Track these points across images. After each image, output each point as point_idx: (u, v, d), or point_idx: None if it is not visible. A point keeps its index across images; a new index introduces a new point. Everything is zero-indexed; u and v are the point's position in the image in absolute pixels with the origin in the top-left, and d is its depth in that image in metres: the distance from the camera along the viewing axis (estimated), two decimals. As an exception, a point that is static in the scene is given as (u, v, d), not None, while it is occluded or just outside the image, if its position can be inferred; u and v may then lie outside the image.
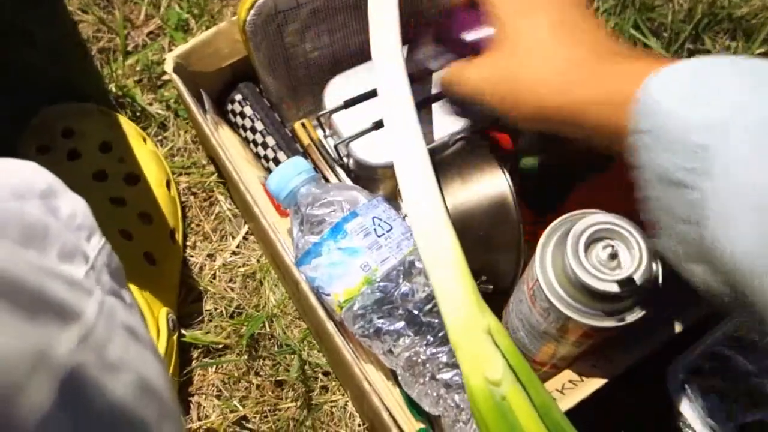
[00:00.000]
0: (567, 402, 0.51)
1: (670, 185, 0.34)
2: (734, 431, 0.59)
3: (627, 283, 0.44)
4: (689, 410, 0.60)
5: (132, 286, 0.61)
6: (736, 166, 0.31)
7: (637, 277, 0.44)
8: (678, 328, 0.54)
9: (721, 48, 0.85)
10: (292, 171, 0.58)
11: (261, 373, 0.68)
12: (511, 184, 0.58)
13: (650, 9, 0.87)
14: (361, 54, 0.71)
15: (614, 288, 0.45)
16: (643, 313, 0.47)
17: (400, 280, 0.54)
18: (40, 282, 0.28)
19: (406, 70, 0.58)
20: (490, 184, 0.59)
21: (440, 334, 0.54)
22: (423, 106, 0.66)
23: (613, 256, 0.45)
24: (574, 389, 0.53)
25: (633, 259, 0.45)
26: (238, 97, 0.72)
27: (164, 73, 0.81)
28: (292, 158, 0.60)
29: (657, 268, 0.48)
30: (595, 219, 0.46)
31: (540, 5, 0.47)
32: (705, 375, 0.62)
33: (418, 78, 0.67)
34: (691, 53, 0.85)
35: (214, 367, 0.68)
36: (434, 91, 0.67)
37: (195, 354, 0.68)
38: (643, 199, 0.38)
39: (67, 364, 0.27)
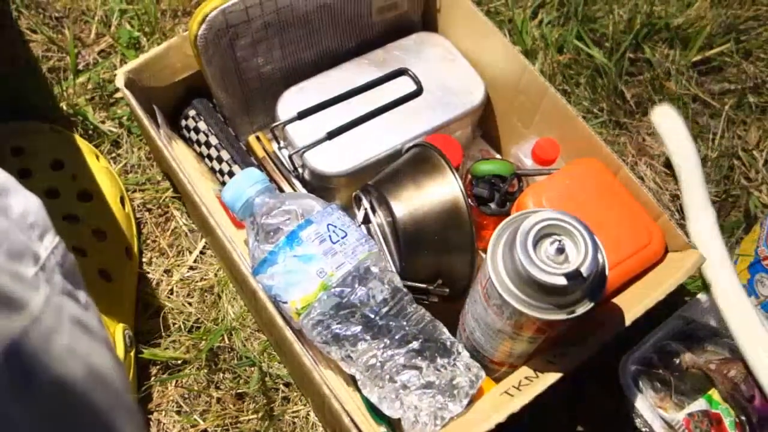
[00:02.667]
0: (523, 398, 0.53)
1: None
2: (682, 420, 0.61)
3: (574, 275, 0.46)
4: (640, 401, 0.62)
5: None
6: None
7: (584, 270, 0.46)
8: (627, 322, 0.56)
9: (660, 56, 0.89)
10: (246, 182, 0.58)
11: (221, 387, 0.67)
12: (462, 188, 0.60)
13: (592, 20, 0.91)
14: (313, 66, 0.72)
15: (563, 281, 0.46)
16: (591, 305, 0.49)
17: (356, 285, 0.54)
18: None
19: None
20: (443, 190, 0.60)
21: (396, 337, 0.54)
22: (380, 112, 0.68)
23: (561, 250, 0.47)
24: (529, 385, 0.54)
25: (579, 253, 0.47)
26: (192, 112, 0.72)
27: (116, 90, 0.81)
28: (246, 169, 0.60)
29: (603, 260, 0.49)
30: (542, 216, 0.48)
31: None
32: (655, 368, 0.64)
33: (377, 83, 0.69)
34: (633, 62, 0.89)
35: (174, 382, 0.67)
36: (393, 98, 0.68)
37: (153, 370, 0.68)
38: None
39: (9, 350, 0.28)
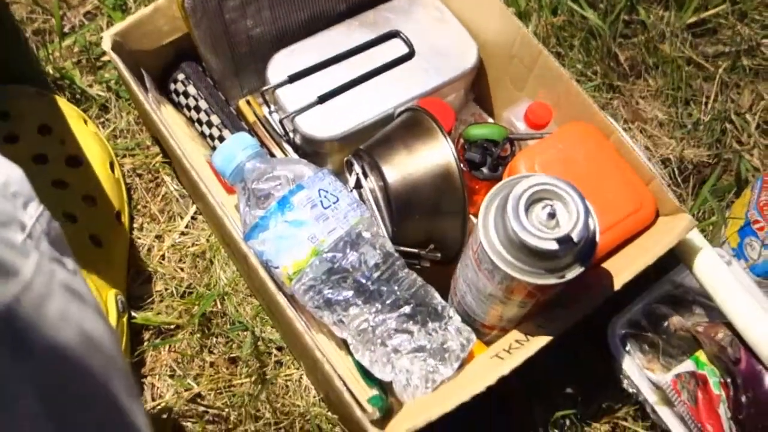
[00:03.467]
0: (514, 360, 0.53)
1: None
2: (669, 381, 0.62)
3: (565, 240, 0.46)
4: (628, 363, 0.63)
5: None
6: None
7: (575, 235, 0.46)
8: (617, 286, 0.56)
9: (655, 18, 0.88)
10: (237, 147, 0.58)
11: (214, 351, 0.68)
12: (455, 153, 0.59)
13: (587, -19, 0.89)
14: (304, 29, 0.71)
15: (554, 246, 0.46)
16: (582, 269, 0.49)
17: (348, 250, 0.55)
18: None
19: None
20: (435, 154, 0.60)
21: (388, 302, 0.55)
22: (372, 76, 0.67)
23: (552, 215, 0.47)
24: (520, 348, 0.54)
25: (570, 218, 0.47)
26: (181, 76, 0.71)
27: (103, 53, 0.80)
28: (237, 134, 0.59)
29: (594, 225, 0.49)
30: (533, 181, 0.47)
31: None
32: (643, 330, 0.65)
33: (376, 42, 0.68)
34: (627, 24, 0.88)
35: (167, 347, 0.67)
36: (385, 61, 0.67)
37: (147, 335, 0.68)
38: None
39: (3, 315, 0.28)
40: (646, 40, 0.86)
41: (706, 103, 0.84)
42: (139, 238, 0.72)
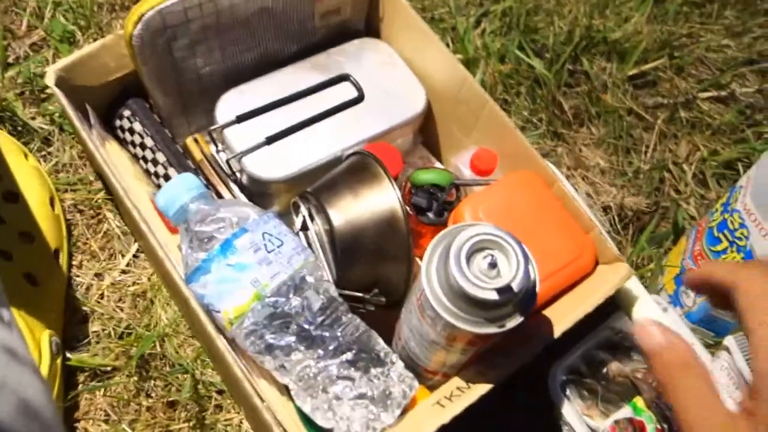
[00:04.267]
0: (455, 408, 0.53)
1: None
2: (608, 427, 0.63)
3: (505, 290, 0.47)
4: (567, 409, 0.63)
5: (12, 309, 0.58)
6: None
7: (515, 285, 0.47)
8: (556, 334, 0.57)
9: (598, 69, 0.91)
10: (181, 187, 0.57)
11: (152, 395, 0.66)
12: (401, 199, 0.60)
13: (533, 31, 0.92)
14: (254, 69, 0.71)
15: (494, 295, 0.47)
16: (521, 319, 0.49)
17: (291, 295, 0.54)
18: None
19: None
20: (381, 199, 0.61)
21: (330, 348, 0.54)
22: (321, 118, 0.67)
23: (493, 265, 0.47)
24: (461, 396, 0.55)
25: (511, 268, 0.47)
26: (127, 113, 0.70)
27: (48, 86, 0.78)
28: (182, 174, 0.59)
29: (534, 275, 0.50)
30: (475, 231, 0.48)
31: None
32: (583, 377, 0.65)
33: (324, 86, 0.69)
34: (571, 73, 0.91)
35: (102, 390, 0.65)
36: (335, 104, 0.68)
37: (81, 378, 0.66)
38: None
39: None
40: (590, 90, 0.89)
41: (646, 152, 0.87)
42: (78, 276, 0.70)
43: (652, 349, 0.37)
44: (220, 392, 0.67)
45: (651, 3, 0.96)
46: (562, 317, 0.58)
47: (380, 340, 0.58)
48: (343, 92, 0.71)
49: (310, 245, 0.61)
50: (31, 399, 0.33)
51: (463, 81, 0.70)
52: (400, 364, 0.58)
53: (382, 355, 0.57)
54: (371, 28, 0.78)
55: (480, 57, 0.89)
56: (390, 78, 0.74)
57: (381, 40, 0.76)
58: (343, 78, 0.72)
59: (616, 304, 0.65)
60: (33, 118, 0.77)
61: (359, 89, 0.71)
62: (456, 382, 0.57)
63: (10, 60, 0.81)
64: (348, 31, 0.76)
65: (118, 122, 0.71)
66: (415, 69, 0.74)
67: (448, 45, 0.88)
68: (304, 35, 0.73)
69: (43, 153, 0.76)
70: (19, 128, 0.76)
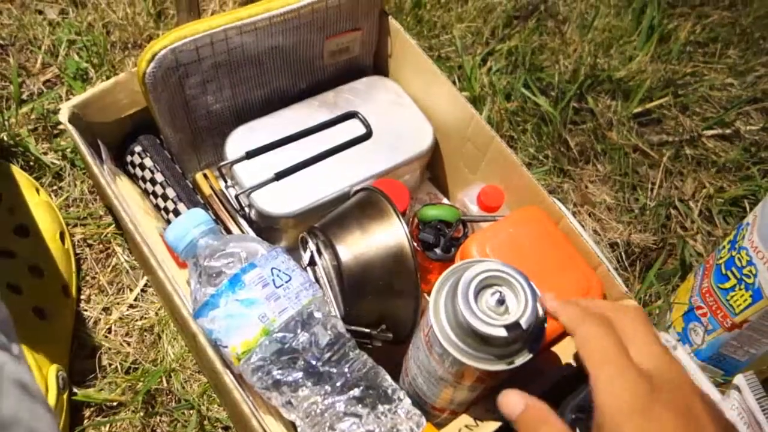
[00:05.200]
0: (463, 446, 0.53)
1: None
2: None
3: (514, 327, 0.47)
4: (578, 450, 0.62)
5: (19, 343, 0.59)
6: None
7: (524, 322, 0.47)
8: (565, 371, 0.57)
9: (603, 107, 0.92)
10: (190, 223, 0.57)
11: (158, 431, 0.65)
12: (408, 235, 0.60)
13: (539, 69, 0.94)
14: (263, 106, 0.72)
15: (502, 332, 0.47)
16: (530, 356, 0.49)
17: (299, 331, 0.54)
18: None
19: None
20: (389, 235, 0.61)
21: (338, 384, 0.54)
22: (329, 154, 0.68)
23: (501, 301, 0.47)
24: (469, 433, 0.54)
25: (519, 305, 0.47)
26: (138, 148, 0.71)
27: (60, 122, 0.79)
28: (191, 210, 0.59)
29: (542, 313, 0.50)
30: (483, 267, 0.48)
31: (660, 400, 0.39)
32: (592, 415, 0.65)
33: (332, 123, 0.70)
34: (577, 111, 0.92)
35: (108, 426, 0.65)
36: (343, 140, 0.69)
37: (87, 413, 0.66)
38: None
39: None
40: (595, 128, 0.90)
41: (652, 189, 0.88)
42: (86, 310, 0.71)
43: (513, 413, 0.44)
44: (226, 429, 0.66)
45: (654, 42, 0.97)
46: (571, 354, 0.58)
47: (388, 377, 0.58)
48: (352, 129, 0.72)
49: (317, 280, 0.61)
50: None
51: (470, 118, 0.71)
52: (407, 401, 0.58)
53: (389, 391, 0.57)
54: (379, 66, 0.80)
55: (486, 94, 0.90)
56: (398, 115, 0.75)
57: (389, 78, 0.77)
58: (351, 115, 0.73)
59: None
60: (45, 154, 0.78)
61: (367, 126, 0.72)
62: (464, 419, 0.56)
63: (24, 97, 0.82)
64: (356, 68, 0.77)
65: (129, 158, 0.71)
66: (422, 106, 0.75)
67: (454, 83, 0.90)
68: (313, 73, 0.74)
69: (55, 188, 0.77)
70: (32, 163, 0.77)
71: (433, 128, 0.74)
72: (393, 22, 0.75)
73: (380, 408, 0.55)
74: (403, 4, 0.96)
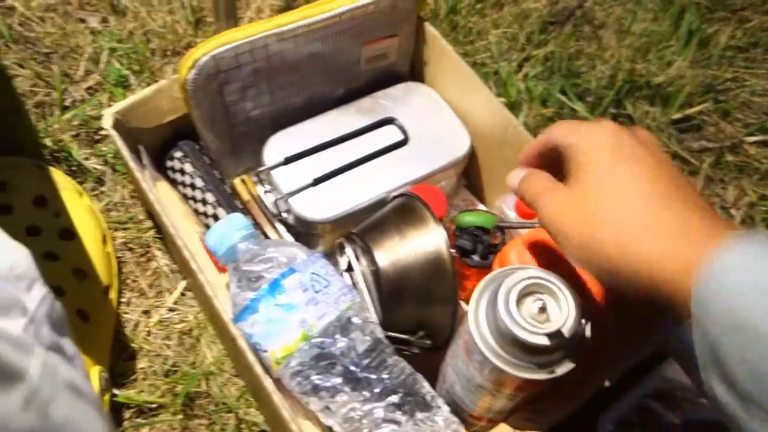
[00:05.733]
0: (502, 455, 0.52)
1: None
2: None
3: (556, 335, 0.46)
4: (619, 461, 0.62)
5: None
6: None
7: (566, 330, 0.46)
8: (607, 381, 0.56)
9: (641, 113, 0.91)
10: (230, 227, 0.58)
11: (196, 433, 0.66)
12: (446, 241, 0.60)
13: (576, 75, 0.93)
14: (301, 112, 0.73)
15: (544, 341, 0.46)
16: (572, 366, 0.49)
17: (338, 336, 0.54)
18: None
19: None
20: (427, 241, 0.61)
21: (377, 390, 0.54)
22: (366, 160, 0.68)
23: (543, 309, 0.47)
24: (508, 442, 0.54)
25: (561, 313, 0.47)
26: (178, 154, 0.72)
27: (102, 128, 0.81)
28: (231, 215, 0.60)
29: (584, 322, 0.50)
30: (525, 274, 0.48)
31: (640, 155, 0.43)
32: (632, 427, 0.64)
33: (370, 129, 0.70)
34: (614, 117, 0.91)
35: (148, 428, 0.66)
36: (380, 146, 0.69)
37: (127, 414, 0.66)
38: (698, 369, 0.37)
39: (10, 428, 0.26)
40: (633, 134, 0.89)
41: (692, 196, 0.86)
42: (126, 313, 0.72)
43: (515, 185, 0.50)
44: (262, 432, 0.67)
45: (694, 47, 0.96)
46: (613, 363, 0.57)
47: (426, 384, 0.58)
48: (389, 135, 0.72)
49: (355, 286, 0.61)
50: None
51: (507, 124, 0.71)
52: (446, 408, 0.58)
53: (428, 398, 0.57)
54: (416, 72, 0.80)
55: (522, 100, 0.89)
56: (434, 121, 0.75)
57: (425, 84, 0.78)
58: (388, 121, 0.73)
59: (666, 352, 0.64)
60: (87, 159, 0.80)
61: (404, 132, 0.72)
62: (503, 428, 0.56)
63: (67, 103, 0.84)
64: (393, 75, 0.78)
65: (169, 163, 0.72)
66: (459, 112, 0.75)
67: (490, 89, 0.89)
68: (350, 79, 0.75)
69: (96, 192, 0.78)
70: (74, 168, 0.79)
71: (469, 134, 0.74)
72: (430, 29, 0.75)
73: (419, 415, 0.55)
74: (438, 10, 0.96)
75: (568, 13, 0.99)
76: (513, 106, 0.89)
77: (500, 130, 0.72)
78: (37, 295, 0.34)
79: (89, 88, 0.86)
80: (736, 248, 0.35)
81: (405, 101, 0.75)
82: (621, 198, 0.41)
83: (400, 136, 0.72)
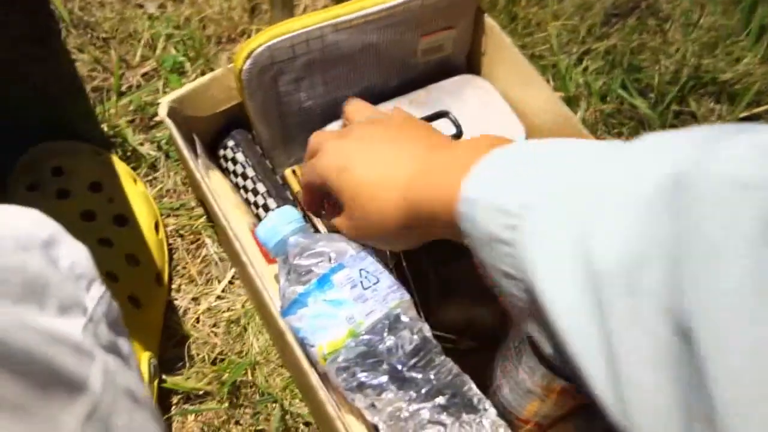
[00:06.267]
0: (550, 463, 0.51)
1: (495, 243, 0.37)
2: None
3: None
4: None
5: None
6: (547, 225, 0.34)
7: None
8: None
9: (706, 110, 0.87)
10: (282, 220, 0.58)
11: (241, 422, 0.66)
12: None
13: (638, 70, 0.89)
14: (354, 104, 0.72)
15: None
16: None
17: (385, 334, 0.54)
18: (45, 350, 0.27)
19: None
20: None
21: (423, 391, 0.53)
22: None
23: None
24: (557, 450, 0.52)
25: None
26: (231, 143, 0.72)
27: (157, 114, 0.82)
28: (282, 207, 0.60)
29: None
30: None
31: (376, 129, 0.52)
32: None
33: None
34: (677, 114, 0.87)
35: (194, 415, 0.66)
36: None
37: (175, 400, 0.67)
38: (479, 265, 0.42)
39: None
40: (696, 132, 0.85)
41: (757, 199, 0.82)
42: (176, 300, 0.72)
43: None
44: (307, 424, 0.67)
45: (766, 44, 0.91)
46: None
47: (473, 385, 0.57)
48: (442, 128, 0.70)
49: (404, 282, 0.60)
50: None
51: (565, 120, 0.69)
52: (492, 411, 0.56)
53: (475, 400, 0.55)
54: (472, 64, 0.78)
55: (581, 95, 0.87)
56: (489, 115, 0.73)
57: (481, 77, 0.76)
58: (442, 114, 0.71)
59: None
60: (141, 144, 0.81)
61: (458, 126, 0.71)
62: (555, 434, 0.55)
63: (123, 88, 0.85)
64: (449, 67, 0.76)
65: (221, 152, 0.73)
66: (515, 106, 0.73)
67: (548, 82, 0.87)
68: (405, 71, 0.74)
69: (150, 178, 0.79)
70: (129, 153, 0.80)
71: (525, 129, 0.72)
72: (489, 20, 0.73)
73: (465, 417, 0.54)
74: (497, 1, 0.94)
75: (632, 5, 0.96)
76: (571, 101, 0.86)
77: (557, 125, 0.70)
78: (96, 295, 0.34)
79: (145, 73, 0.87)
80: (480, 168, 0.40)
81: (460, 94, 0.74)
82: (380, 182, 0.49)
83: (453, 130, 0.71)
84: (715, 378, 0.24)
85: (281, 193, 0.70)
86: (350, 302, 0.54)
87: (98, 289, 0.35)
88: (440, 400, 0.54)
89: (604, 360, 0.29)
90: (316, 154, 0.54)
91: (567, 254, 0.32)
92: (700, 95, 0.89)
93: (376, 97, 0.73)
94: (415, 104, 0.73)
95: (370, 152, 0.50)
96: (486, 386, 0.60)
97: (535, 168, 0.37)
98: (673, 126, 0.87)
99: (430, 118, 0.71)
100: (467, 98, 0.74)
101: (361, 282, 0.55)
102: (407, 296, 0.57)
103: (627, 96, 0.87)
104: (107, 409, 0.29)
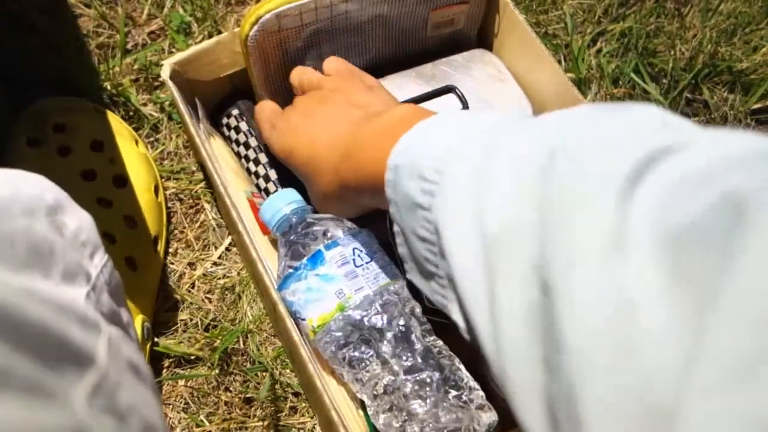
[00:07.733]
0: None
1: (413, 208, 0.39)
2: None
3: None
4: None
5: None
6: (456, 191, 0.36)
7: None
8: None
9: (718, 99, 0.86)
10: (283, 201, 0.59)
11: (231, 389, 0.67)
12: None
13: (652, 54, 0.88)
14: (360, 76, 0.71)
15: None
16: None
17: (373, 310, 0.54)
18: (54, 322, 0.26)
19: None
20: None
21: (407, 365, 0.53)
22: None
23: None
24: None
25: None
26: (235, 111, 0.71)
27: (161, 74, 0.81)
28: (283, 190, 0.61)
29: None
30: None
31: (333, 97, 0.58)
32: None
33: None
34: (689, 102, 0.86)
35: (184, 380, 0.67)
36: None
37: (166, 363, 0.68)
38: (396, 234, 0.44)
39: (80, 420, 0.25)
40: (707, 121, 0.84)
41: None
42: (172, 263, 0.72)
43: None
44: (296, 394, 0.67)
45: (786, 33, 0.89)
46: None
47: (461, 366, 0.57)
48: (448, 103, 0.69)
49: (400, 260, 0.60)
50: (152, 420, 0.31)
51: (573, 102, 0.68)
52: (479, 392, 0.56)
53: (462, 379, 0.55)
54: (483, 40, 0.76)
55: (593, 78, 0.85)
56: (496, 92, 0.72)
57: (491, 53, 0.74)
58: (448, 89, 0.70)
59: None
60: (144, 105, 0.80)
61: (464, 102, 0.69)
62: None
63: (129, 46, 0.84)
64: (460, 41, 0.75)
65: (225, 119, 0.72)
66: (523, 84, 0.72)
67: (559, 62, 0.85)
68: (415, 43, 0.72)
69: (151, 139, 0.78)
70: (131, 113, 0.79)
71: (532, 106, 0.71)
72: (502, -4, 0.71)
73: (451, 394, 0.54)
74: (512, -25, 0.91)
75: (651, -14, 0.94)
76: (582, 83, 0.85)
77: (565, 107, 0.69)
78: (99, 263, 0.34)
79: (151, 32, 0.85)
80: (406, 138, 0.42)
81: (468, 69, 0.72)
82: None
83: (458, 106, 0.69)
84: (562, 329, 0.26)
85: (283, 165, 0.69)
86: (340, 278, 0.54)
87: (101, 258, 0.34)
88: (424, 376, 0.54)
89: (488, 315, 0.32)
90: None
91: (468, 219, 0.34)
92: (714, 84, 0.87)
93: (383, 69, 0.71)
94: (421, 77, 0.71)
95: (311, 130, 0.55)
96: (480, 364, 0.60)
97: (452, 136, 0.39)
98: (685, 114, 0.85)
99: (436, 93, 0.70)
100: (475, 73, 0.72)
101: (354, 260, 0.55)
102: (401, 277, 0.57)
103: (639, 81, 0.85)
104: (112, 382, 0.28)
